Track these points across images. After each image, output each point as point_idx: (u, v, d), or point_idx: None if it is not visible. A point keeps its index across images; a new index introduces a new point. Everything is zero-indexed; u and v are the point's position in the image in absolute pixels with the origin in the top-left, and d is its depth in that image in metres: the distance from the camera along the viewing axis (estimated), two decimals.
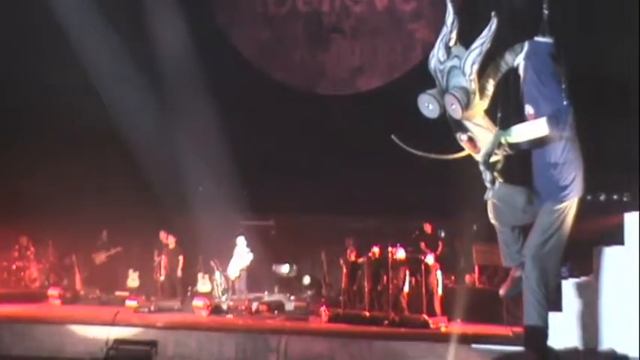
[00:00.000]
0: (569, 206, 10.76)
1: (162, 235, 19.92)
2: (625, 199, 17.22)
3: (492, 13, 10.44)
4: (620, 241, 12.00)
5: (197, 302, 18.02)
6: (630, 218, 11.91)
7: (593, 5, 16.41)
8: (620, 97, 16.11)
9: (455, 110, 10.49)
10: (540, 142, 10.71)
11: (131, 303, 18.26)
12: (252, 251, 19.40)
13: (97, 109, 19.96)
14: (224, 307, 18.26)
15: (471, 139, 10.82)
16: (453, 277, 17.61)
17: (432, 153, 11.21)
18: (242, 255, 19.35)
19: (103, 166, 20.10)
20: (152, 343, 13.52)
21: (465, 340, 13.48)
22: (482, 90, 10.65)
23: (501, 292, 11.53)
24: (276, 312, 18.11)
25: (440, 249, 17.75)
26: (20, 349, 15.13)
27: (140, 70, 20.28)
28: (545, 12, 10.86)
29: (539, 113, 10.70)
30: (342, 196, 19.95)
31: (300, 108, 20.78)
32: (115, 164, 19.83)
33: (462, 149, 11.02)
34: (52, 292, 19.47)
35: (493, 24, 10.41)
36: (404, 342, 14.11)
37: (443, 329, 15.46)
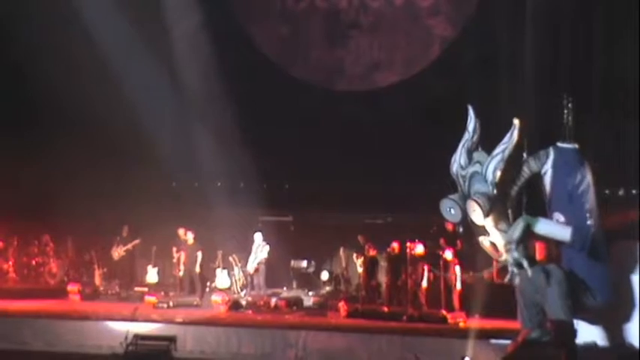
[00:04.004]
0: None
1: (181, 230, 19.95)
2: None
3: (514, 119, 10.41)
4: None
5: (216, 298, 18.08)
6: None
7: None
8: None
9: (476, 216, 10.49)
10: None
11: (150, 298, 18.32)
12: (268, 244, 19.45)
13: (115, 107, 19.97)
14: (243, 302, 18.33)
15: (493, 244, 10.83)
16: (471, 273, 17.55)
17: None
18: (259, 250, 19.42)
19: (122, 163, 20.14)
20: (171, 339, 13.55)
21: (484, 334, 13.46)
22: (504, 195, 10.63)
23: (509, 349, 11.45)
24: (294, 307, 18.16)
25: (458, 245, 17.70)
26: (40, 345, 15.17)
27: (159, 66, 20.33)
28: (568, 118, 10.83)
29: (567, 222, 10.71)
30: (361, 192, 19.91)
31: (319, 104, 20.79)
32: (133, 161, 19.88)
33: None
34: (72, 287, 19.54)
35: (515, 129, 10.37)
36: (422, 337, 14.10)
37: (461, 324, 15.44)
